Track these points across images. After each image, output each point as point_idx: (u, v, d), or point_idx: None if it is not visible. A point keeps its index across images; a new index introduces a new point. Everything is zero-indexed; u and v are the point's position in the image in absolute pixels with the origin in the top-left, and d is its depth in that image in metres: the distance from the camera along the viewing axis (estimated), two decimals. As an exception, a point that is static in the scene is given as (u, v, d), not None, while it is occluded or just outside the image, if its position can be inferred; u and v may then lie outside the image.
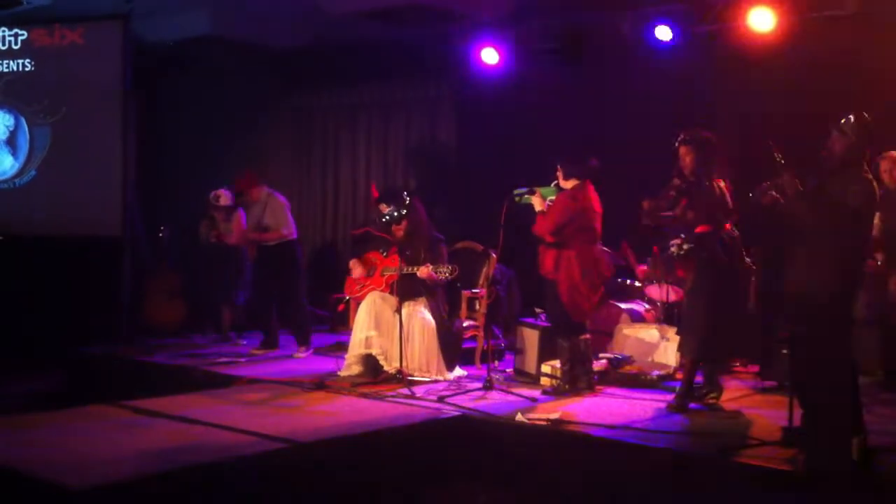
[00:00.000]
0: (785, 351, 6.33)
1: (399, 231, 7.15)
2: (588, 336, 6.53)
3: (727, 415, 5.79)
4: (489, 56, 9.29)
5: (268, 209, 8.31)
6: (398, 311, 6.79)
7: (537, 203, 6.48)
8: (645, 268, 7.87)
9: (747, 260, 6.24)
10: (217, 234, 8.71)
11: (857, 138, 4.73)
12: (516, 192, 6.60)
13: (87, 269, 9.79)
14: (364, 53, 10.35)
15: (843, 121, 4.77)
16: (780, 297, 5.08)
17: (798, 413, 4.90)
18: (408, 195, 7.23)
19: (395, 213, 7.09)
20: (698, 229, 5.85)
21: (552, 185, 6.54)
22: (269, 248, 8.34)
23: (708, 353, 5.96)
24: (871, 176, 4.79)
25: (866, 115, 4.78)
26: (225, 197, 8.72)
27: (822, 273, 4.67)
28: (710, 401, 6.02)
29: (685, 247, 5.82)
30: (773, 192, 4.86)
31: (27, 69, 9.94)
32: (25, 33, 9.87)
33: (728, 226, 5.98)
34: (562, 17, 8.81)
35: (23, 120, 9.95)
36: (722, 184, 5.94)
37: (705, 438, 5.11)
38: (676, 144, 6.03)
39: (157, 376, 7.63)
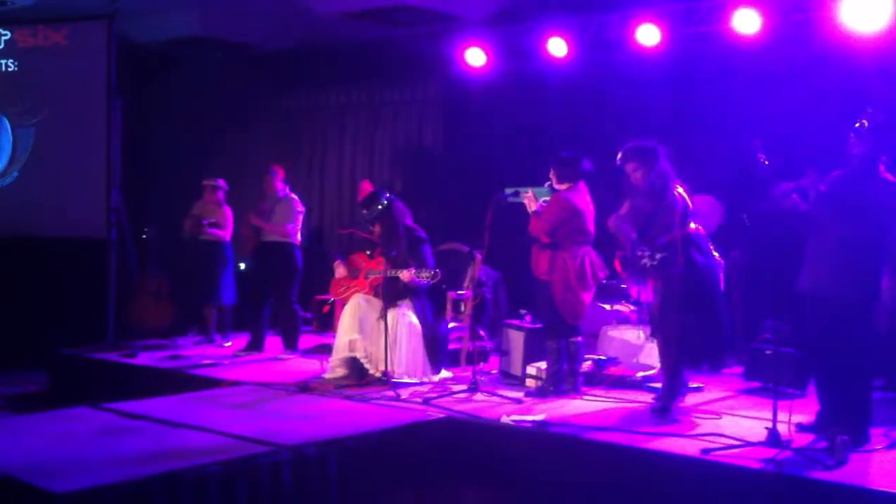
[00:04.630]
0: (769, 352, 6.38)
1: (376, 230, 7.14)
2: (580, 338, 6.52)
3: (710, 416, 5.80)
4: (475, 57, 9.29)
5: (278, 206, 8.41)
6: (383, 317, 6.76)
7: (530, 203, 6.45)
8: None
9: (715, 254, 6.15)
10: (199, 225, 8.69)
11: (874, 139, 4.94)
12: (508, 190, 6.58)
13: (71, 270, 9.75)
14: (351, 54, 10.35)
15: (857, 125, 4.97)
16: (776, 298, 5.15)
17: (782, 414, 4.93)
18: (387, 195, 7.22)
19: (373, 213, 7.09)
20: (666, 239, 5.73)
21: (545, 185, 6.52)
22: (269, 248, 8.33)
23: (685, 356, 5.94)
24: (890, 176, 4.94)
25: (880, 118, 4.97)
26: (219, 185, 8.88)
27: (845, 274, 4.83)
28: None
29: (658, 256, 5.69)
30: (795, 195, 4.96)
31: (11, 70, 9.88)
32: (9, 33, 9.81)
33: (693, 227, 5.84)
34: (547, 18, 8.82)
35: (6, 121, 9.90)
36: (679, 189, 5.80)
37: (688, 439, 5.12)
38: (619, 163, 5.87)
39: (141, 379, 7.60)
